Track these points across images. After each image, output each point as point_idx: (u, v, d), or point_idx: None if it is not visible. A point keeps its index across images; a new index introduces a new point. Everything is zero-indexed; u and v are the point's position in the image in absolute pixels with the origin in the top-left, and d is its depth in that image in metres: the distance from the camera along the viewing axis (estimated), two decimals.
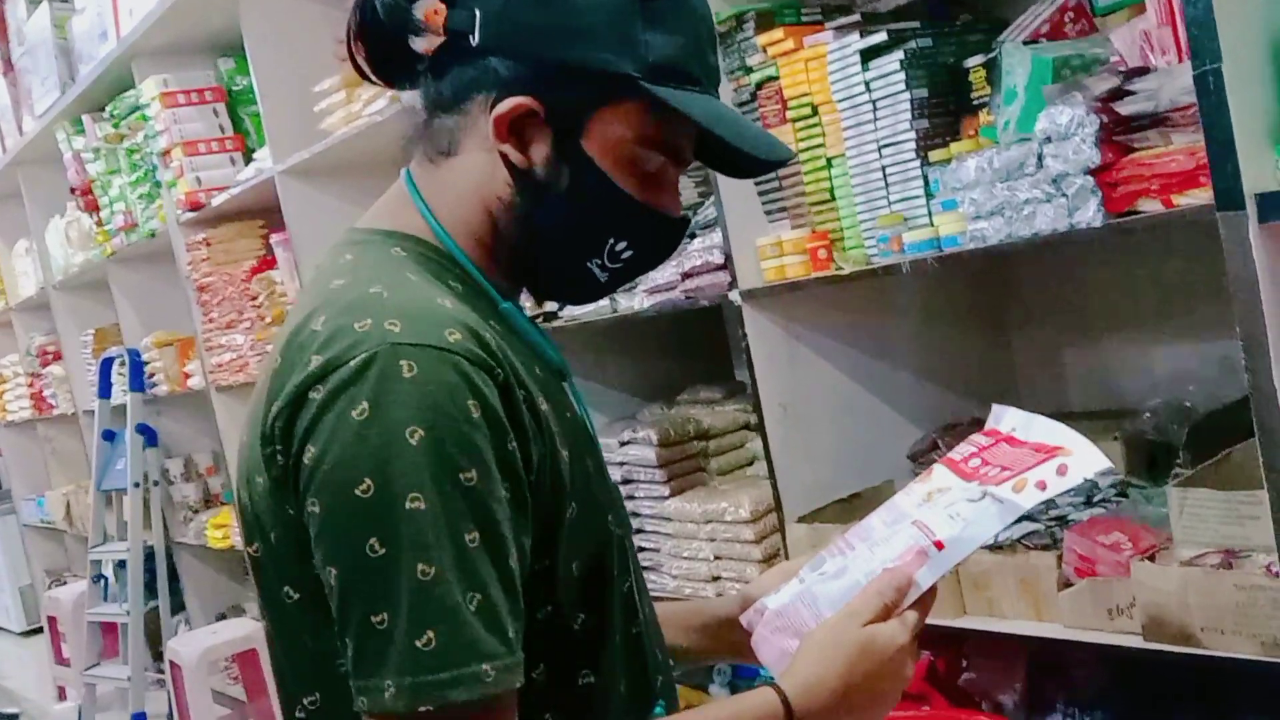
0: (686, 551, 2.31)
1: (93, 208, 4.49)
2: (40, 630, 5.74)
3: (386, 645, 0.80)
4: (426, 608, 0.80)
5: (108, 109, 4.07)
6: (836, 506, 2.09)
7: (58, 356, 5.40)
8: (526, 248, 0.99)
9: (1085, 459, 0.96)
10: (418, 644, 0.79)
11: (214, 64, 3.75)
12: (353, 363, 0.83)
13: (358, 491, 0.81)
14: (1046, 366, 2.35)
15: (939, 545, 0.98)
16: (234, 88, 3.71)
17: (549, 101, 0.94)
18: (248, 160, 3.61)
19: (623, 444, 2.43)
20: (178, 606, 4.94)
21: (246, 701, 4.30)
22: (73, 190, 4.58)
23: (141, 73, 3.72)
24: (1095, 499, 1.84)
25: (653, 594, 2.52)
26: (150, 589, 4.64)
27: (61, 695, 5.32)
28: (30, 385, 5.80)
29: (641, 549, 2.44)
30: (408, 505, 0.80)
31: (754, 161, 1.00)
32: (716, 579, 2.26)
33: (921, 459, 2.18)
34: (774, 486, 2.08)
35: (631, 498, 2.44)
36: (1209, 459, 1.83)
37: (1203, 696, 1.85)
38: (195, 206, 3.65)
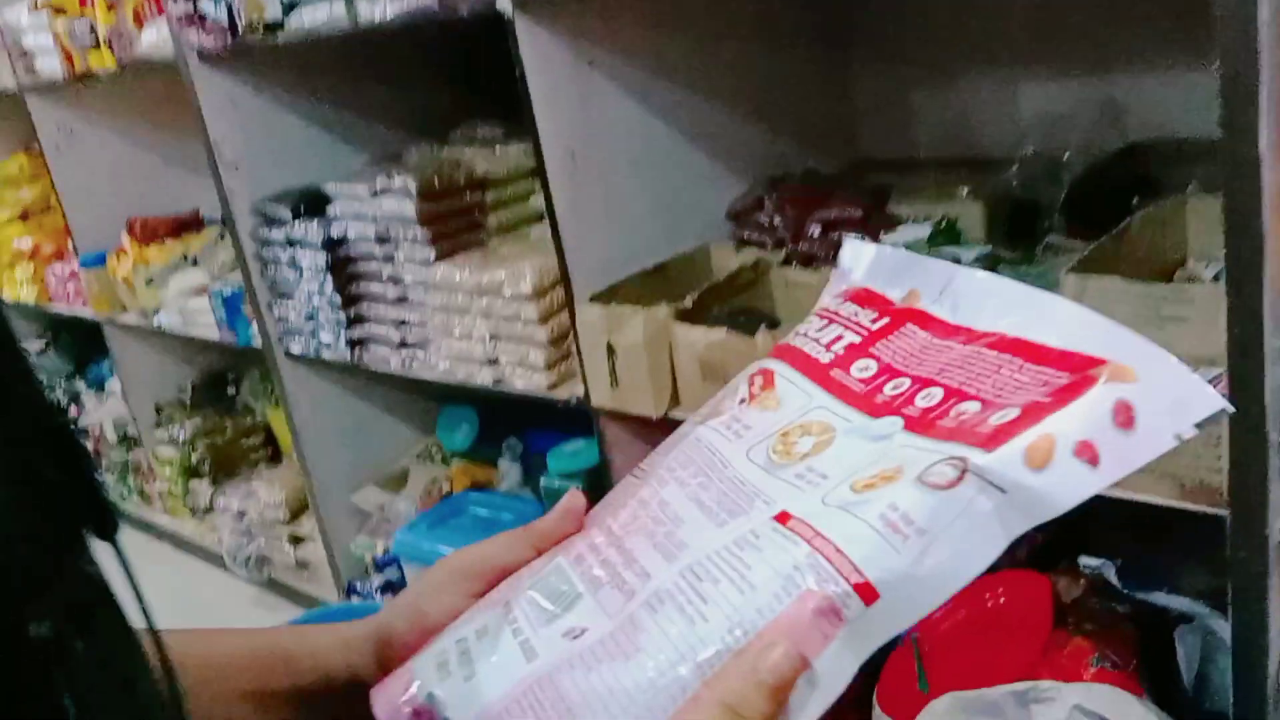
0: (458, 329, 1.77)
1: None
2: None
3: None
4: None
5: None
6: (639, 281, 1.57)
7: None
8: None
9: (1164, 381, 0.41)
10: None
11: None
12: None
13: None
14: (892, 104, 1.83)
15: (866, 590, 0.40)
16: None
17: None
18: None
19: (376, 194, 1.82)
20: None
21: None
22: None
23: None
24: None
25: (419, 379, 2.02)
26: None
27: None
28: None
29: (404, 323, 1.89)
30: None
31: None
32: (494, 362, 1.74)
33: (743, 219, 1.66)
34: (560, 255, 1.53)
35: (390, 260, 1.86)
36: (1089, 226, 1.38)
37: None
38: None
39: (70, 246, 2.88)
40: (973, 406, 0.43)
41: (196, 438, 2.83)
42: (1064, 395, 0.41)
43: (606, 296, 1.52)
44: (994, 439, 0.41)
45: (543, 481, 1.81)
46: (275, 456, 2.86)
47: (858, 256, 0.56)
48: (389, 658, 0.51)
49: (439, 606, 0.51)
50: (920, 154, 1.80)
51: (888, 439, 0.44)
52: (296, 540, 2.56)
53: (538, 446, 2.11)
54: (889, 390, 0.47)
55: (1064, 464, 0.40)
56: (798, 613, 0.39)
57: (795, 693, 0.39)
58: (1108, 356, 0.42)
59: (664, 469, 0.51)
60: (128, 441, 3.15)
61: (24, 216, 3.25)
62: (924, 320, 0.50)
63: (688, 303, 1.47)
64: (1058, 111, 1.62)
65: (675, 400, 1.47)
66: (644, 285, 1.56)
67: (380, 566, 2.28)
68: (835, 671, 0.39)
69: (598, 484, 1.71)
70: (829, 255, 1.57)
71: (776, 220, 1.61)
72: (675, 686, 0.40)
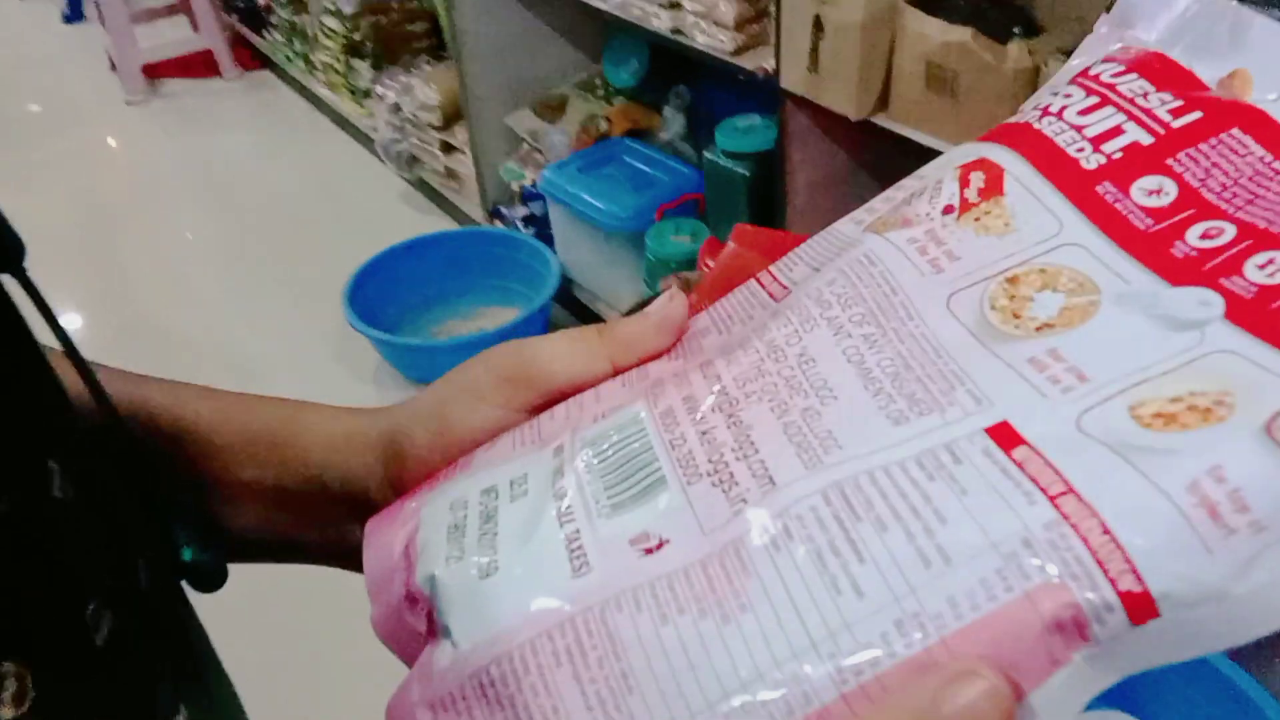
0: None
1: None
2: None
3: None
4: None
5: None
6: None
7: None
8: None
9: None
10: None
11: None
12: None
13: None
14: None
15: (1140, 605, 0.20)
16: None
17: None
18: None
19: None
20: None
21: None
22: None
23: None
24: None
25: (593, 4, 1.70)
26: None
27: None
28: None
29: None
30: None
31: None
32: (675, 6, 1.42)
33: None
34: None
35: None
36: None
37: None
38: None
39: None
40: None
41: (360, 15, 2.60)
42: None
43: None
44: None
45: (706, 155, 1.54)
46: (438, 49, 2.61)
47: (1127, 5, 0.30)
48: (399, 472, 0.35)
49: (471, 419, 0.33)
50: None
51: (1197, 330, 0.24)
52: (448, 148, 2.38)
53: (709, 106, 1.82)
54: (1194, 238, 0.26)
55: None
56: (1019, 620, 0.21)
57: None
58: None
59: (810, 297, 0.29)
60: (297, 3, 2.94)
61: None
62: (1260, 125, 0.27)
63: None
64: None
65: (883, 104, 1.16)
66: None
67: (526, 199, 2.09)
68: (1052, 713, 0.22)
69: (766, 173, 1.43)
70: None
71: None
72: (794, 688, 0.22)
